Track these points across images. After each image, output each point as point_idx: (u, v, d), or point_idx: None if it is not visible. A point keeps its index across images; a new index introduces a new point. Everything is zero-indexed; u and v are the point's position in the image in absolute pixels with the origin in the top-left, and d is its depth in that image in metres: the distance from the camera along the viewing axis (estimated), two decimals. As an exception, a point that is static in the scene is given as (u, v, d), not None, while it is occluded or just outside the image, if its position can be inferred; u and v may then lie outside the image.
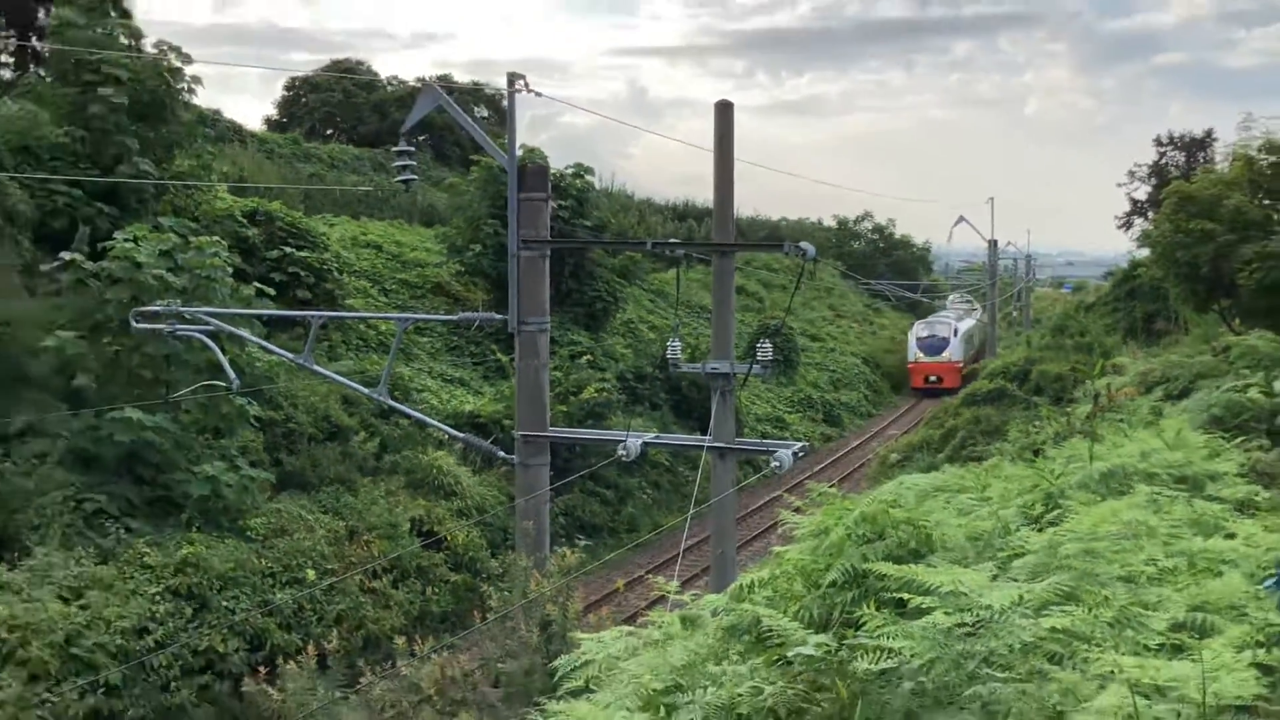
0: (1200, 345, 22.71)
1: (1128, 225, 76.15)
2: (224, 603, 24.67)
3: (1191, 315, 27.75)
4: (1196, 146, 74.12)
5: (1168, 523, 7.95)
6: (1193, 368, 19.67)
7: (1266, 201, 25.98)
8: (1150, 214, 64.57)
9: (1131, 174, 77.60)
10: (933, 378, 72.74)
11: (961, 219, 78.98)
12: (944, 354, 73.74)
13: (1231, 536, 7.96)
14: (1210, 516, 8.54)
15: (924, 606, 6.13)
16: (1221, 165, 30.32)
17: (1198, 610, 6.23)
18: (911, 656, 5.79)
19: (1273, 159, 26.15)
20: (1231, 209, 25.70)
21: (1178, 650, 5.75)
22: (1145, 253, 42.13)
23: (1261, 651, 5.43)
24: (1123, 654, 5.49)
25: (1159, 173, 72.51)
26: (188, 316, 24.43)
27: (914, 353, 75.61)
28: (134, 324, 24.38)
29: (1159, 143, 77.00)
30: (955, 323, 78.08)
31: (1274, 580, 6.28)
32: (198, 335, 24.71)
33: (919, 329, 77.58)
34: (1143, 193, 75.38)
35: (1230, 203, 25.83)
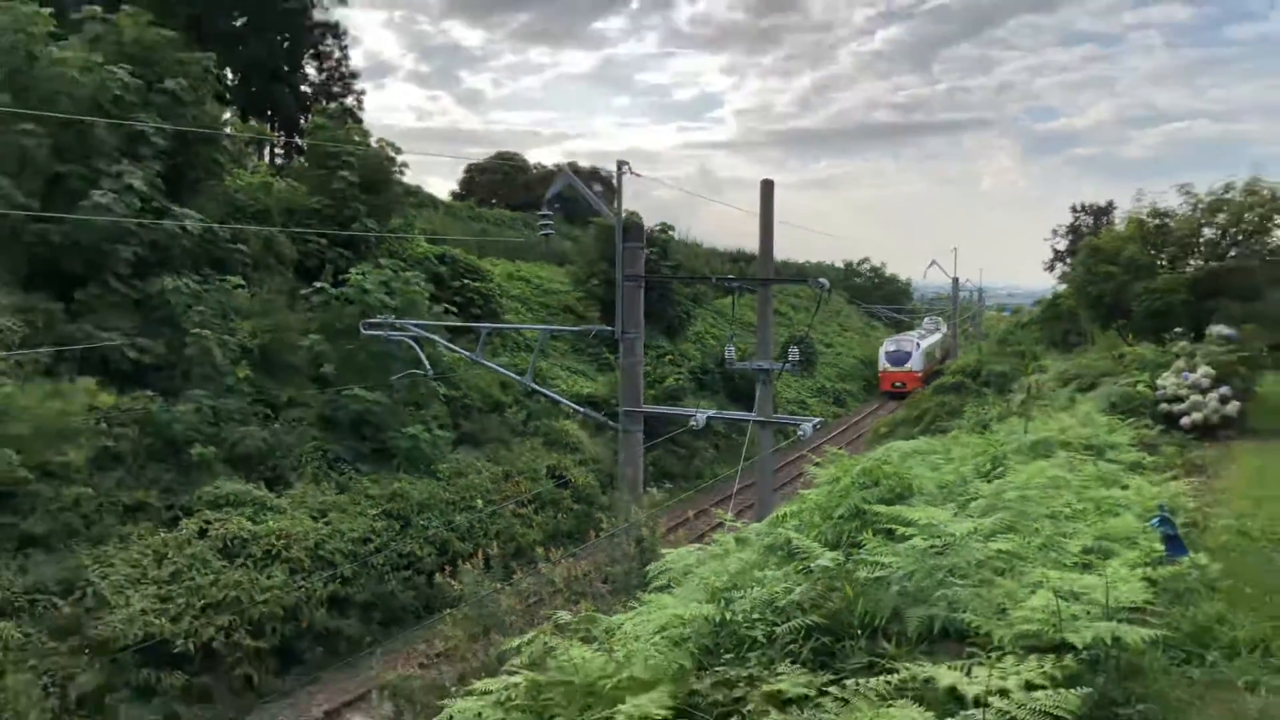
0: (1103, 353, 22.30)
1: (1052, 268, 76.04)
2: (420, 521, 24.94)
3: (1097, 332, 27.29)
4: (1101, 213, 73.10)
5: (1080, 478, 7.83)
6: (1097, 369, 19.27)
7: (1152, 251, 25.70)
8: (1068, 259, 64.12)
9: (1054, 231, 77.06)
10: (898, 383, 65.42)
11: (933, 262, 77.68)
12: (907, 365, 66.22)
13: (1126, 488, 7.83)
14: (1110, 474, 8.40)
15: (906, 534, 6.09)
16: (1120, 226, 29.96)
17: (1102, 539, 6.15)
18: (897, 568, 5.75)
19: (1156, 221, 25.93)
20: (1127, 257, 25.57)
21: (1087, 568, 5.67)
22: (1064, 287, 41.50)
23: (1148, 569, 5.35)
24: (1048, 569, 5.43)
25: (1074, 231, 71.59)
26: (398, 326, 24.74)
27: (883, 363, 68.20)
28: (362, 331, 24.73)
29: (1074, 210, 76.03)
30: (917, 339, 70.14)
31: (1156, 520, 6.17)
32: (405, 339, 25.03)
33: (888, 344, 70.15)
34: (1062, 244, 74.44)
35: (1127, 252, 25.69)
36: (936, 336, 77.96)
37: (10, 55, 22.53)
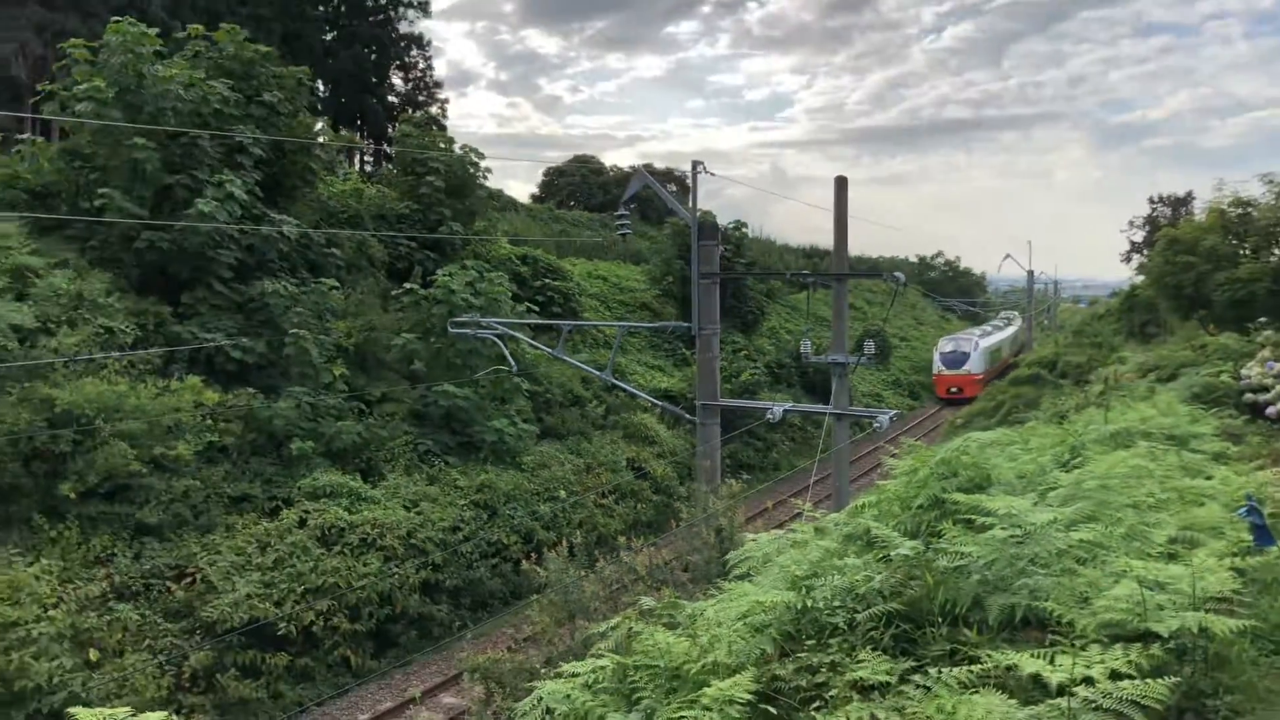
0: (1182, 344, 21.55)
1: (1128, 259, 73.45)
2: (507, 511, 25.23)
3: (1176, 322, 26.44)
4: (1179, 204, 70.49)
5: (1162, 467, 7.57)
6: (1177, 359, 18.62)
7: (1233, 241, 24.80)
8: (1145, 251, 61.81)
9: (1131, 223, 74.59)
10: (954, 389, 56.39)
11: (1008, 255, 75.94)
12: (964, 367, 57.48)
13: (1210, 478, 7.56)
14: (1194, 463, 8.13)
15: (986, 523, 5.97)
16: (1200, 216, 29.00)
17: (1187, 529, 5.95)
18: (977, 557, 5.64)
19: (1238, 211, 25.01)
20: (1208, 247, 24.71)
21: (1172, 558, 5.50)
22: (1141, 278, 40.23)
23: (1235, 559, 5.16)
24: (1131, 558, 5.27)
25: (1152, 222, 69.18)
26: (483, 324, 25.03)
27: (937, 366, 59.04)
28: (450, 330, 25.08)
29: (1152, 201, 73.61)
30: (978, 338, 61.30)
31: (1243, 510, 5.94)
32: (490, 336, 25.31)
33: (943, 344, 60.85)
34: (1139, 236, 72.06)
35: (1207, 243, 24.84)
36: (1006, 332, 70.81)
37: (121, 74, 23.34)
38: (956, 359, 57.70)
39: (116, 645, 16.99)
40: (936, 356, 59.43)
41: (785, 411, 20.54)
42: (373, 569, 20.91)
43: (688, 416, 23.99)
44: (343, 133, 44.25)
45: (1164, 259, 26.32)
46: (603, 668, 5.52)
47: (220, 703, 18.11)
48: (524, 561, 19.96)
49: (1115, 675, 3.97)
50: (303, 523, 21.09)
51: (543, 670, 9.80)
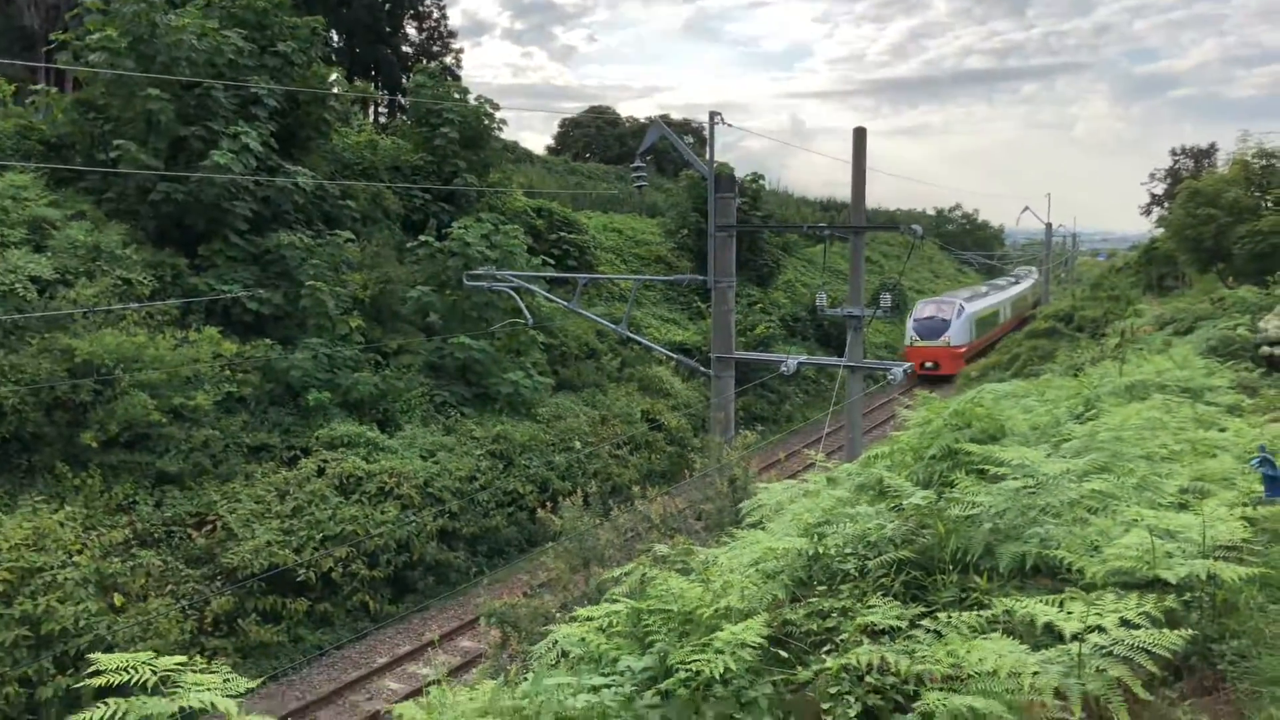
0: (1200, 297, 21.40)
1: (1148, 212, 72.40)
2: (522, 461, 25.40)
3: (1195, 275, 26.23)
4: (1202, 155, 69.33)
5: (1176, 419, 7.56)
6: (1194, 312, 18.50)
7: (1256, 194, 24.51)
8: (1165, 204, 60.88)
9: (1152, 175, 73.60)
10: (928, 363, 45.10)
11: (1026, 208, 74.46)
12: (942, 338, 46.91)
13: (1224, 430, 7.55)
14: (1208, 416, 8.10)
15: (999, 474, 5.99)
16: (1222, 169, 28.66)
17: (1199, 480, 5.95)
18: (989, 507, 5.66)
19: (1262, 162, 24.71)
20: (1230, 199, 24.43)
21: (1184, 507, 5.51)
22: (1161, 231, 39.85)
23: (1247, 509, 5.16)
24: (1143, 508, 5.28)
25: (1173, 175, 68.19)
26: (499, 277, 25.02)
27: (910, 335, 48.26)
28: (465, 282, 25.09)
29: (1173, 153, 72.54)
30: (963, 302, 50.44)
31: (1256, 461, 5.94)
32: (505, 289, 25.32)
33: (920, 308, 49.96)
34: (1160, 189, 71.11)
35: (1229, 195, 24.57)
36: (1007, 293, 62.12)
37: (133, 23, 23.20)
38: (934, 328, 47.40)
39: (140, 590, 17.28)
40: (910, 323, 48.71)
41: (799, 364, 20.53)
42: (390, 517, 21.14)
43: (702, 369, 24.02)
44: (357, 83, 43.97)
45: (1185, 211, 26.06)
46: (617, 612, 5.59)
47: (242, 646, 18.45)
48: (539, 510, 20.14)
49: (1125, 623, 4.00)
50: (321, 472, 21.30)
51: (558, 615, 9.93)
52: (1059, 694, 3.75)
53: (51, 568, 15.98)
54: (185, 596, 17.81)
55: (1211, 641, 4.59)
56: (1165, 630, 3.91)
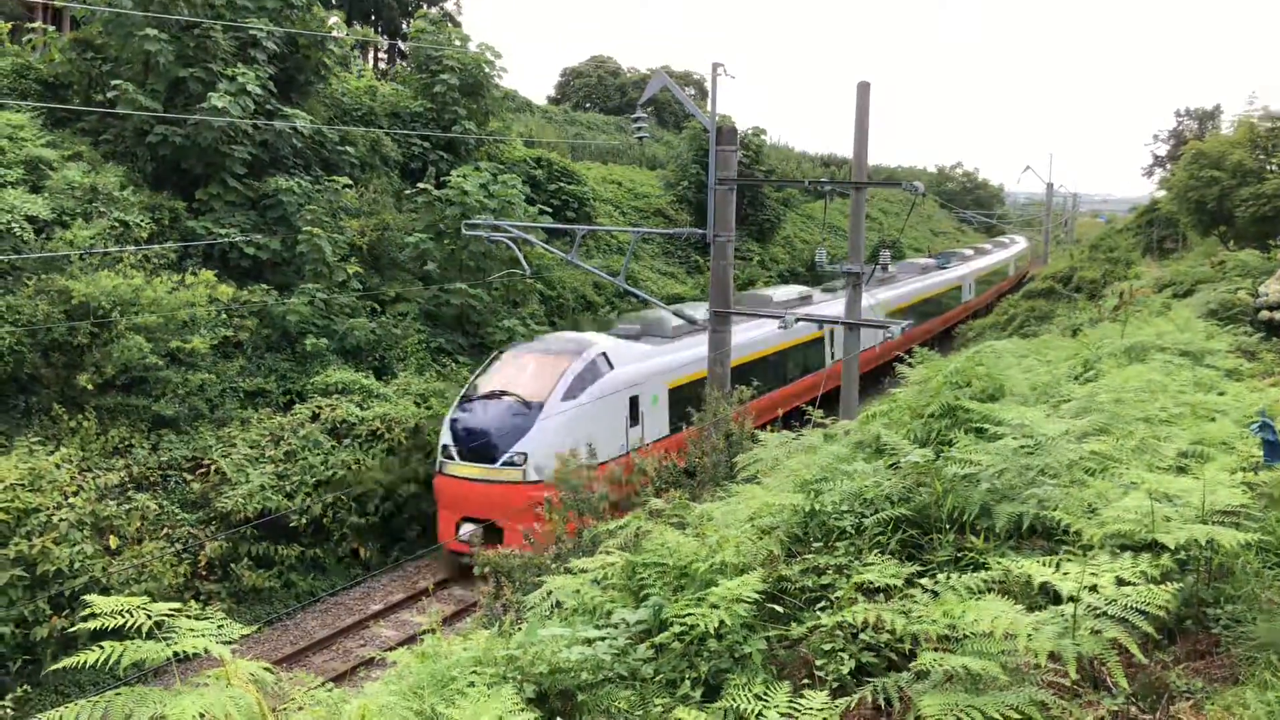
0: (1201, 260, 21.30)
1: (1150, 174, 71.69)
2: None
3: (1196, 238, 26.08)
4: (1207, 117, 68.51)
5: (1176, 382, 7.54)
6: (1195, 275, 18.43)
7: (1261, 156, 24.27)
8: (1168, 165, 60.26)
9: (1155, 136, 72.94)
10: (471, 519, 19.35)
11: (1028, 167, 73.74)
12: (499, 461, 19.33)
13: (1223, 394, 7.52)
14: (1207, 379, 8.07)
15: (997, 433, 5.96)
16: (1227, 130, 28.40)
17: (1198, 444, 5.93)
18: (988, 466, 5.64)
19: (1268, 125, 24.48)
20: (1234, 161, 24.20)
21: (1183, 471, 5.49)
22: (1163, 194, 39.57)
23: (1246, 474, 5.14)
24: (1142, 471, 5.26)
25: (1177, 136, 67.49)
26: (497, 227, 24.85)
27: (445, 444, 20.30)
28: (463, 231, 24.91)
29: (1178, 114, 71.92)
30: (613, 345, 22.34)
31: (1256, 425, 5.91)
32: (503, 239, 25.15)
33: (497, 370, 21.44)
34: (1163, 150, 70.49)
35: (1234, 157, 24.32)
36: (964, 268, 48.74)
37: (130, -39, 22.76)
38: (481, 434, 20.03)
39: (135, 533, 17.32)
40: (448, 420, 20.87)
41: (798, 319, 20.46)
42: (379, 458, 21.11)
43: (700, 323, 23.92)
44: (356, 28, 43.34)
45: (1188, 173, 25.85)
46: (611, 564, 5.59)
47: (235, 590, 18.54)
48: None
49: (1121, 582, 3.99)
50: (315, 417, 21.28)
51: (552, 566, 9.95)
52: (1054, 656, 3.74)
53: (48, 509, 16.00)
54: (179, 540, 17.87)
55: (1207, 605, 4.59)
56: (1157, 588, 3.90)
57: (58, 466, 16.85)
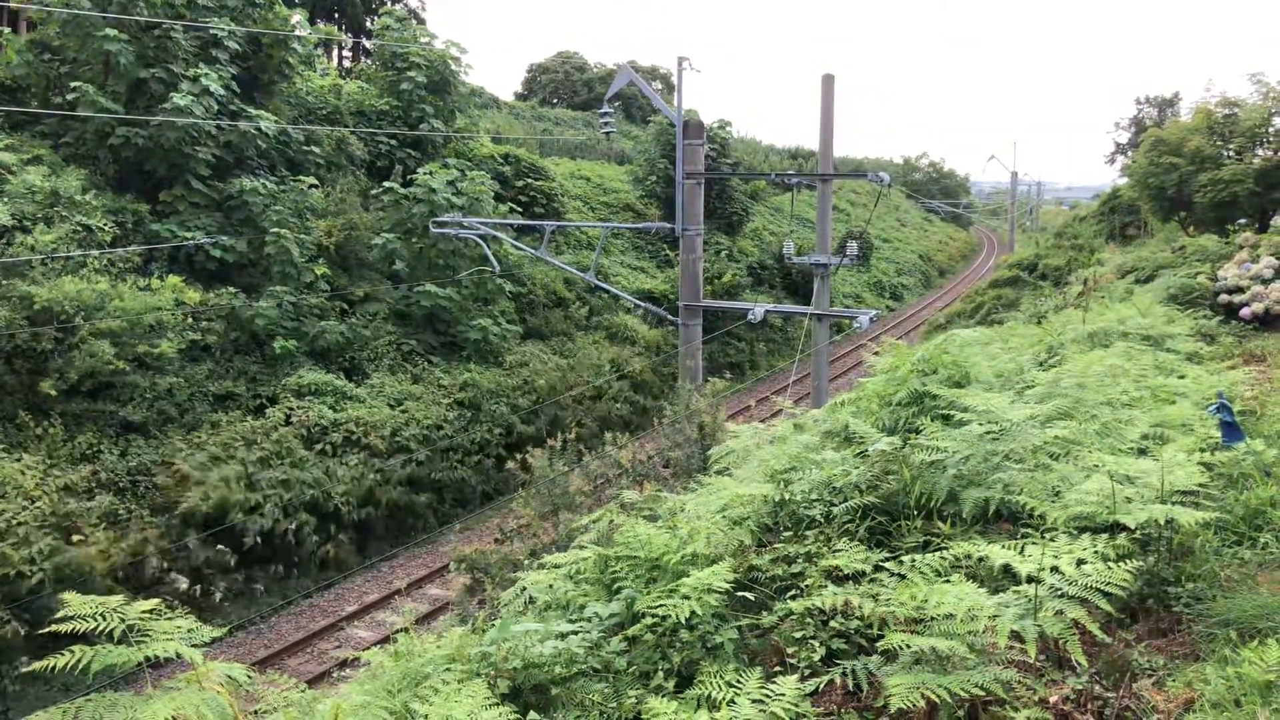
0: (1162, 246, 21.58)
1: (1112, 161, 72.45)
2: (490, 407, 25.32)
3: (1157, 224, 26.37)
4: (1166, 105, 69.39)
5: (1137, 366, 7.65)
6: (1156, 261, 18.66)
7: (1218, 142, 24.53)
8: (1129, 153, 60.88)
9: (1116, 124, 73.84)
10: None
11: (992, 156, 74.41)
12: None
13: (1183, 377, 7.65)
14: (1168, 363, 8.20)
15: (963, 419, 6.03)
16: (1186, 117, 28.68)
17: (1159, 426, 6.03)
18: (954, 452, 5.71)
19: (1224, 111, 24.73)
20: (1193, 148, 24.46)
21: (1143, 453, 5.58)
22: (1125, 181, 40.00)
23: (1204, 454, 5.24)
24: (1104, 454, 5.35)
25: (1138, 124, 68.27)
26: (465, 224, 24.77)
27: None
28: (431, 229, 24.83)
29: (1138, 101, 72.68)
30: None
31: (1214, 407, 6.02)
32: (472, 237, 25.08)
33: None
34: (1124, 137, 71.31)
35: (1192, 143, 24.57)
36: None
37: (88, -39, 22.46)
38: None
39: (106, 539, 17.16)
40: None
41: (766, 312, 20.57)
42: (357, 463, 21.05)
43: (670, 317, 24.00)
44: (320, 25, 42.97)
45: (1148, 160, 26.09)
46: (585, 559, 5.61)
47: (191, 598, 18.41)
48: (510, 461, 20.14)
49: (1081, 564, 4.06)
50: (287, 420, 21.15)
51: (527, 562, 9.97)
52: (1016, 635, 3.81)
53: (9, 513, 15.82)
54: (149, 541, 17.70)
55: (1168, 584, 4.67)
56: (1116, 565, 3.97)
57: (22, 474, 16.65)
